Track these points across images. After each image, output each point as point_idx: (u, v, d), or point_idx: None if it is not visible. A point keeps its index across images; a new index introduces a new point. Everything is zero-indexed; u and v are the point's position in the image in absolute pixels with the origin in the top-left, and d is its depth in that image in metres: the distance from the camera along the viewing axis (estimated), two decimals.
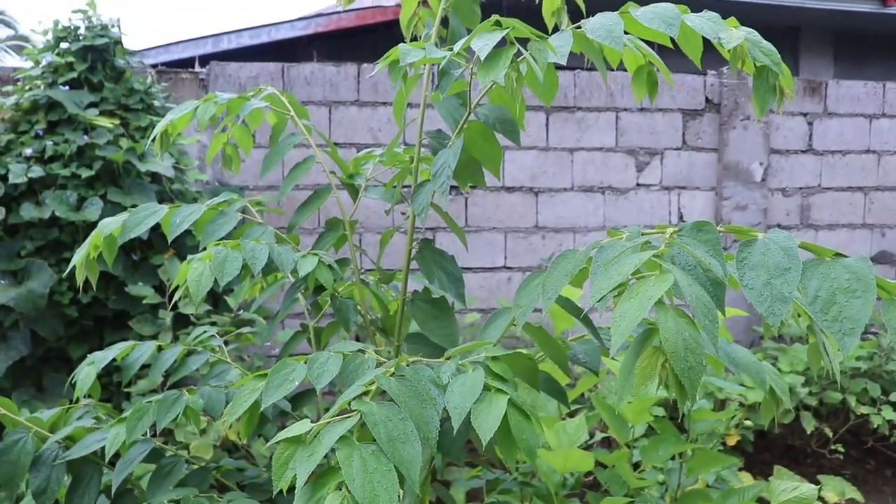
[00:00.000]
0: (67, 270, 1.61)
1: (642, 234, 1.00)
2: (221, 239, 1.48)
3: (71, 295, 3.19)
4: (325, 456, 0.86)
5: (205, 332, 1.82)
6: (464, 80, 1.45)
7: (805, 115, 4.12)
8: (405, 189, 1.70)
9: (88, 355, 1.83)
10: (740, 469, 3.26)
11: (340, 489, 0.80)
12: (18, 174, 3.12)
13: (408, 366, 1.00)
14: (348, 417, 0.87)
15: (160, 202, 3.35)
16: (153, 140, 1.72)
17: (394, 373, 0.97)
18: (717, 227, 0.96)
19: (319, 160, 1.63)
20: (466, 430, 1.28)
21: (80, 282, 1.57)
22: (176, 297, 1.63)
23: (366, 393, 0.92)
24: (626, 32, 1.27)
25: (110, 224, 1.50)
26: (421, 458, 0.85)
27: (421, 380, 0.97)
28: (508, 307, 1.18)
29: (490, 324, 1.19)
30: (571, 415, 2.39)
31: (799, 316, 1.35)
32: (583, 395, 2.56)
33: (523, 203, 3.81)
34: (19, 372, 3.21)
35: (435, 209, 1.52)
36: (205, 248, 1.42)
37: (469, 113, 1.43)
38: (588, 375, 2.03)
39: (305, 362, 1.11)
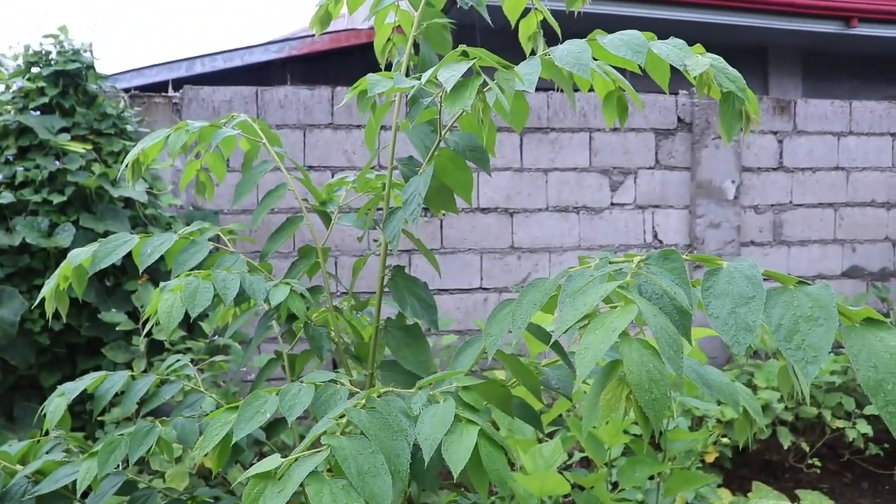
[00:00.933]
0: (37, 300, 1.59)
1: (610, 262, 1.01)
2: (193, 268, 1.47)
3: (42, 322, 3.16)
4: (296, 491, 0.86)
5: (178, 360, 1.80)
6: (434, 108, 1.46)
7: (775, 133, 4.18)
8: (378, 213, 1.70)
9: (59, 385, 1.81)
10: (719, 486, 3.28)
11: None
12: None
13: (379, 397, 1.00)
14: (318, 452, 0.87)
15: (133, 227, 3.34)
16: (125, 167, 1.71)
17: (364, 405, 0.97)
18: (683, 256, 0.97)
19: (292, 187, 1.63)
20: (439, 458, 1.28)
21: (49, 313, 1.55)
22: (148, 327, 1.61)
23: (337, 425, 0.92)
24: (594, 59, 1.28)
25: (80, 254, 1.49)
26: (391, 492, 0.84)
27: (392, 411, 0.97)
28: (480, 336, 1.18)
29: (461, 352, 1.19)
30: (550, 436, 2.39)
31: (768, 337, 1.37)
32: (560, 415, 2.57)
33: (498, 224, 3.83)
34: None
35: (407, 235, 1.52)
36: (177, 277, 1.41)
37: (439, 140, 1.44)
38: (557, 404, 2.03)
39: (277, 393, 1.11)
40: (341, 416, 0.93)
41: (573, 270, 1.03)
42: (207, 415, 1.51)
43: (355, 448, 0.87)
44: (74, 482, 1.65)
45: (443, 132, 1.43)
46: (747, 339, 0.84)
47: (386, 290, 1.47)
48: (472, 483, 0.97)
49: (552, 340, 0.87)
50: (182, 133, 1.65)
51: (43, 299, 3.27)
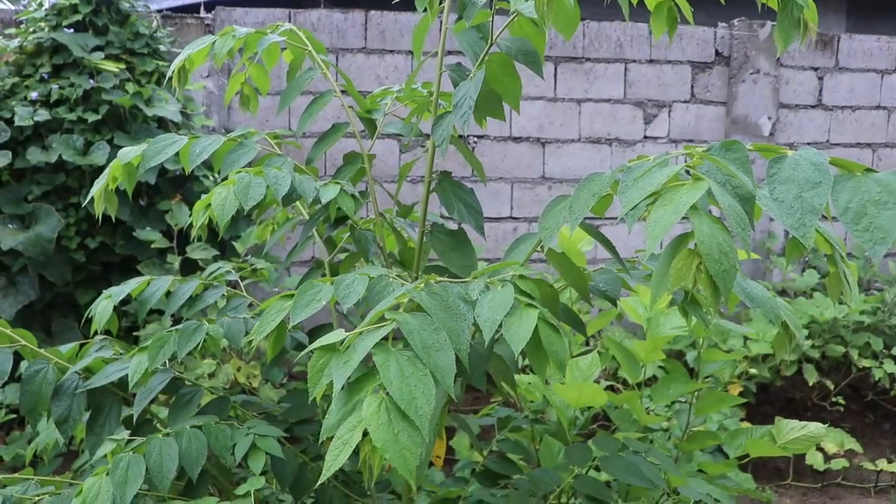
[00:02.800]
0: (87, 199, 1.61)
1: (668, 154, 1.01)
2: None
3: (79, 240, 3.20)
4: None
5: (219, 267, 1.83)
6: (486, 11, 1.44)
7: (816, 69, 4.09)
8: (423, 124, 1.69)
9: (104, 291, 1.84)
10: (742, 419, 3.31)
11: (377, 393, 0.82)
12: (24, 118, 3.10)
13: (436, 283, 1.01)
14: (383, 326, 0.88)
15: None
16: (171, 74, 1.70)
17: (423, 289, 0.98)
18: (746, 146, 0.96)
19: (337, 94, 1.62)
20: (489, 354, 1.30)
21: (98, 213, 1.57)
22: (196, 223, 1.63)
23: (399, 305, 0.93)
24: None
25: (130, 153, 1.50)
26: (455, 366, 0.86)
27: (450, 296, 0.98)
28: (533, 233, 1.19)
29: (515, 246, 1.19)
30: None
31: (812, 254, 1.36)
32: (587, 342, 2.58)
33: (530, 153, 3.80)
34: (28, 317, 3.22)
35: (454, 143, 1.52)
36: (226, 178, 1.42)
37: (490, 45, 1.42)
38: (600, 316, 2.04)
39: (331, 283, 1.12)
40: (403, 297, 0.95)
41: (631, 163, 1.03)
42: (256, 309, 1.54)
43: (419, 324, 0.89)
44: (122, 379, 1.70)
45: (494, 37, 1.42)
46: (812, 221, 0.84)
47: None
48: (532, 364, 0.98)
49: (619, 218, 0.87)
50: (228, 38, 1.65)
51: (79, 218, 3.29)
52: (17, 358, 1.69)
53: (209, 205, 1.36)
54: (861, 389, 3.92)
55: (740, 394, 3.57)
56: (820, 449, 3.43)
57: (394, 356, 0.84)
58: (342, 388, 0.83)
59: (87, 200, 1.62)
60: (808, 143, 4.13)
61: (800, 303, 3.64)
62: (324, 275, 1.79)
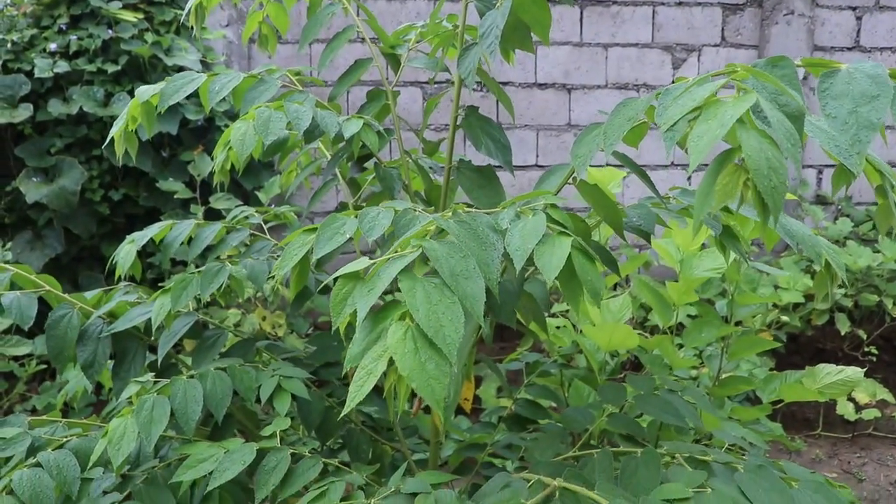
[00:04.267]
0: (107, 141, 1.58)
1: (712, 75, 0.95)
2: None
3: (102, 192, 3.19)
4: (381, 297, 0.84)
5: (243, 211, 1.80)
6: None
7: (854, 8, 3.94)
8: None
9: (127, 236, 1.82)
10: (771, 370, 3.26)
11: (403, 320, 0.78)
12: (44, 69, 3.08)
13: (465, 213, 0.97)
14: (408, 253, 0.84)
15: (188, 97, 3.31)
16: (187, 12, 1.66)
17: (452, 217, 0.94)
18: (795, 61, 0.90)
19: (359, 28, 1.57)
20: (519, 291, 1.26)
21: (119, 154, 1.54)
22: (217, 165, 1.60)
23: (426, 232, 0.89)
24: None
25: (148, 91, 1.46)
26: (484, 295, 0.82)
27: (479, 224, 0.94)
28: (565, 163, 1.14)
29: (546, 178, 1.15)
30: None
31: (846, 201, 1.30)
32: (615, 288, 2.53)
33: (556, 100, 3.72)
34: (54, 270, 3.23)
35: (480, 75, 1.46)
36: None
37: None
38: (629, 261, 2.00)
39: (356, 216, 1.09)
40: (431, 224, 0.91)
41: (667, 87, 0.97)
42: (281, 242, 1.51)
43: (447, 251, 0.85)
44: (147, 323, 1.68)
45: None
46: (868, 137, 0.79)
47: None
48: (565, 295, 0.94)
49: (663, 131, 0.82)
50: None
51: (102, 170, 3.27)
52: (46, 309, 1.68)
53: (229, 143, 1.33)
54: (894, 340, 3.85)
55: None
56: (851, 399, 3.38)
57: (420, 283, 0.80)
58: (366, 317, 0.80)
59: (106, 142, 1.59)
60: None
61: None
62: None
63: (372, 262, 0.85)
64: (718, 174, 0.76)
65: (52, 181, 3.13)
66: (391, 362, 0.75)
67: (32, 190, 3.12)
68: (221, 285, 1.46)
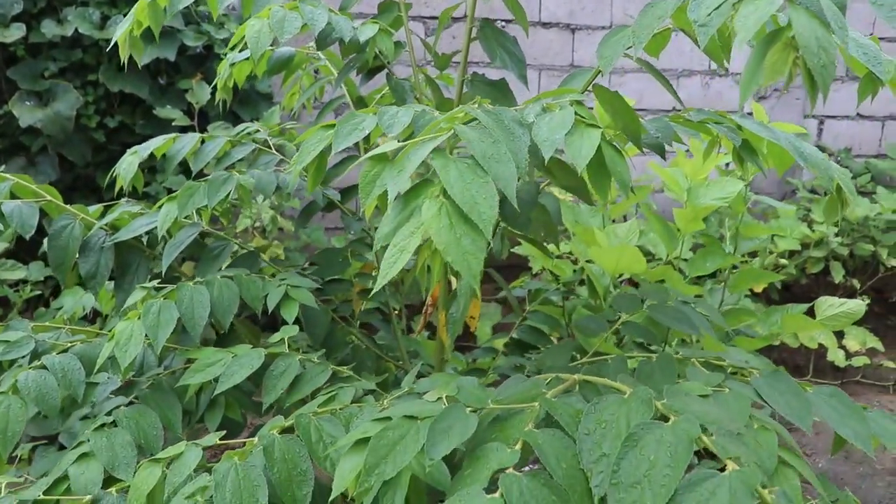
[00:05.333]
0: (111, 44, 1.54)
1: None
2: None
3: (98, 119, 3.14)
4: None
5: (247, 127, 1.76)
6: None
7: None
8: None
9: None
10: None
11: (436, 198, 0.77)
12: None
13: (490, 105, 0.95)
14: (439, 135, 0.82)
15: (186, 25, 3.23)
16: None
17: (478, 108, 0.91)
18: None
19: None
20: (533, 201, 1.24)
21: (123, 58, 1.50)
22: (220, 81, 1.57)
23: (452, 120, 0.87)
24: None
25: None
26: (516, 179, 0.80)
27: (505, 117, 0.92)
28: (589, 66, 1.12)
29: (569, 80, 1.13)
30: None
31: (845, 153, 1.27)
32: (625, 219, 2.52)
33: (559, 40, 3.66)
34: None
35: None
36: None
37: None
38: (639, 188, 1.98)
39: (375, 113, 1.06)
40: (458, 112, 0.88)
41: None
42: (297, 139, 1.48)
43: (478, 135, 0.83)
44: (150, 235, 1.66)
45: None
46: None
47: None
48: (593, 185, 0.93)
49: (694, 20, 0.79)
50: None
51: (97, 96, 3.20)
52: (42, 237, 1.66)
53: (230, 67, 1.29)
54: (885, 291, 3.88)
55: (764, 290, 3.54)
56: (842, 346, 3.41)
57: (453, 162, 0.78)
58: (397, 197, 0.78)
59: (109, 45, 1.55)
60: None
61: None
62: (356, 144, 1.72)
63: (401, 144, 0.83)
64: (766, 53, 0.74)
65: (46, 105, 3.07)
66: (424, 239, 0.74)
67: (26, 114, 3.06)
68: (228, 194, 1.44)
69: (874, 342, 3.32)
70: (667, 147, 1.25)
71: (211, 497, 0.87)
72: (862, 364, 3.34)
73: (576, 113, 0.93)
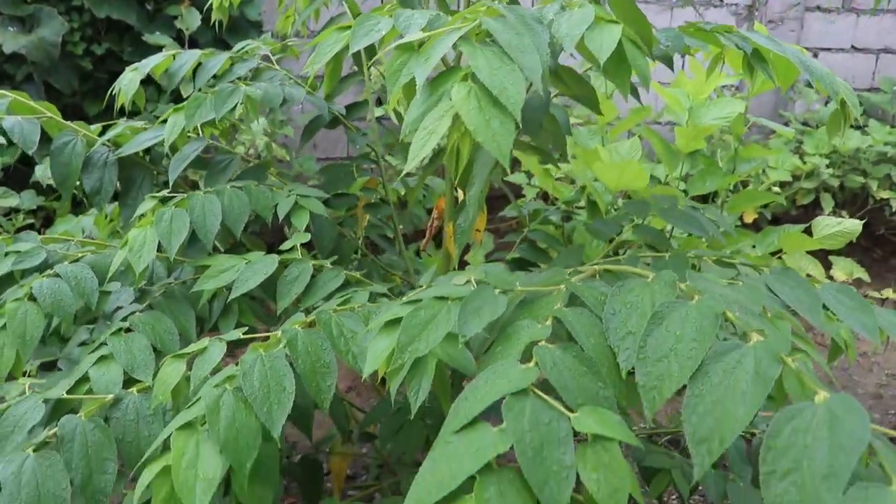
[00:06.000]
0: None
1: None
2: None
3: (84, 46, 3.08)
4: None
5: (248, 43, 1.74)
6: None
7: None
8: None
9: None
10: (753, 247, 3.33)
11: (465, 82, 0.77)
12: None
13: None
14: (464, 25, 0.82)
15: None
16: None
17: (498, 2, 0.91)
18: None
19: None
20: (545, 107, 1.25)
21: None
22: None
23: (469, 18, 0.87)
24: None
25: None
26: (541, 69, 0.81)
27: (526, 13, 0.92)
28: None
29: None
30: None
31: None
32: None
33: None
34: None
35: None
36: None
37: None
38: (634, 111, 1.98)
39: (390, 15, 1.05)
40: (480, 6, 0.88)
41: None
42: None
43: (502, 26, 0.83)
44: (154, 151, 1.66)
45: None
46: None
47: None
48: (614, 79, 0.93)
49: None
50: None
51: (83, 22, 3.13)
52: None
53: None
54: (873, 224, 3.93)
55: (754, 221, 3.58)
56: (830, 277, 3.47)
57: (480, 50, 0.79)
58: (425, 83, 0.79)
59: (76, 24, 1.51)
60: None
61: (822, 133, 3.58)
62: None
63: (426, 34, 0.83)
64: None
65: (30, 32, 3.01)
66: (453, 123, 0.74)
67: (9, 40, 3.00)
68: (235, 105, 1.43)
69: (861, 273, 3.38)
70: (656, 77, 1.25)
71: (239, 386, 0.89)
72: None
73: (595, 11, 0.93)
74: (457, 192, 1.34)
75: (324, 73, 1.08)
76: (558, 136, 1.31)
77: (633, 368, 0.72)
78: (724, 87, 3.69)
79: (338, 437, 1.63)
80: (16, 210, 2.95)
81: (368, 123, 1.67)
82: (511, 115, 0.74)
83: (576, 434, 0.65)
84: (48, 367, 1.74)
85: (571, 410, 0.66)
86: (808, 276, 3.39)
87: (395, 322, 0.79)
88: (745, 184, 3.49)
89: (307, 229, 1.37)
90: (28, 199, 2.90)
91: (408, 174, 2.05)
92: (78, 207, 3.06)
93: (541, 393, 0.66)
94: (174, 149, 1.57)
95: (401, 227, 1.67)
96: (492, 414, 0.66)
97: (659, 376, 0.71)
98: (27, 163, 3.16)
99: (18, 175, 3.18)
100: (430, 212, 2.65)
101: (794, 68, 1.47)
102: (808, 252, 2.26)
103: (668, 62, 1.30)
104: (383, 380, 0.81)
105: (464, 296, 0.77)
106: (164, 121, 1.50)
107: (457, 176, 0.82)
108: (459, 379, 0.96)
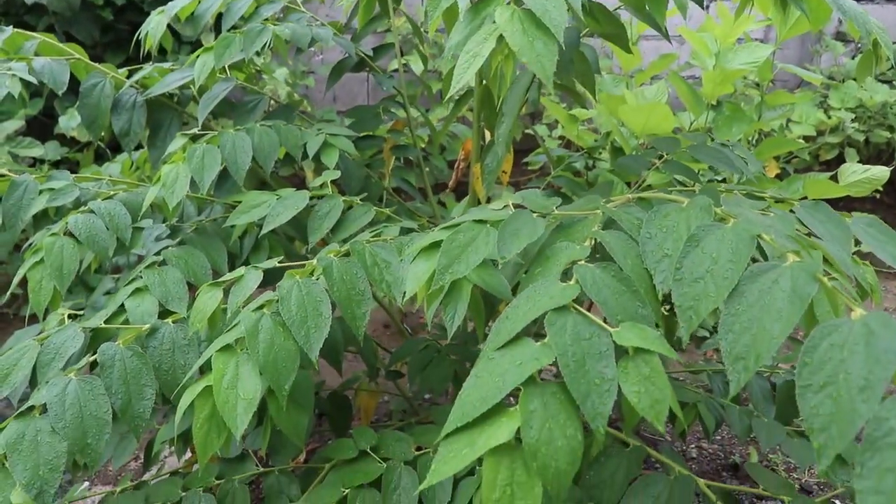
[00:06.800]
0: None
1: None
2: None
3: None
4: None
5: None
6: None
7: None
8: None
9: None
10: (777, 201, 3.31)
11: (508, 5, 0.77)
12: None
13: None
14: None
15: None
16: None
17: None
18: None
19: None
20: (576, 44, 1.24)
21: None
22: None
23: None
24: None
25: None
26: (564, 23, 0.80)
27: None
28: None
29: None
30: None
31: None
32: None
33: None
34: None
35: None
36: None
37: None
38: (660, 58, 1.97)
39: None
40: None
41: None
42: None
43: None
44: (181, 93, 1.66)
45: None
46: None
47: None
48: (652, 6, 0.93)
49: None
50: None
51: None
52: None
53: None
54: None
55: (777, 176, 3.55)
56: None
57: None
58: (468, 8, 0.79)
59: None
60: None
61: (849, 86, 3.53)
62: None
63: None
64: None
65: None
66: (496, 46, 0.74)
67: None
68: (265, 45, 1.43)
69: None
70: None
71: (277, 310, 0.91)
72: (869, 251, 3.39)
73: None
74: (483, 137, 1.34)
75: (357, 9, 1.08)
76: (588, 74, 1.30)
77: (668, 290, 0.73)
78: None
79: (364, 378, 1.65)
80: (41, 161, 2.98)
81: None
82: (554, 36, 0.74)
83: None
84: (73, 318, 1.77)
85: (611, 326, 0.67)
86: None
87: (433, 246, 0.80)
88: (768, 136, 3.46)
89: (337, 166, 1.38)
90: (52, 150, 2.92)
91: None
92: (100, 160, 3.08)
93: (582, 309, 0.67)
94: (202, 91, 1.57)
95: (427, 169, 1.67)
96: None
97: (696, 297, 0.72)
98: (50, 115, 3.18)
99: (42, 127, 3.20)
100: (451, 165, 2.66)
101: (827, 6, 1.45)
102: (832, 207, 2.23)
103: (683, 10, 1.29)
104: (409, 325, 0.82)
105: (502, 219, 0.78)
106: (193, 62, 1.50)
107: (499, 98, 0.82)
108: (489, 308, 0.98)
